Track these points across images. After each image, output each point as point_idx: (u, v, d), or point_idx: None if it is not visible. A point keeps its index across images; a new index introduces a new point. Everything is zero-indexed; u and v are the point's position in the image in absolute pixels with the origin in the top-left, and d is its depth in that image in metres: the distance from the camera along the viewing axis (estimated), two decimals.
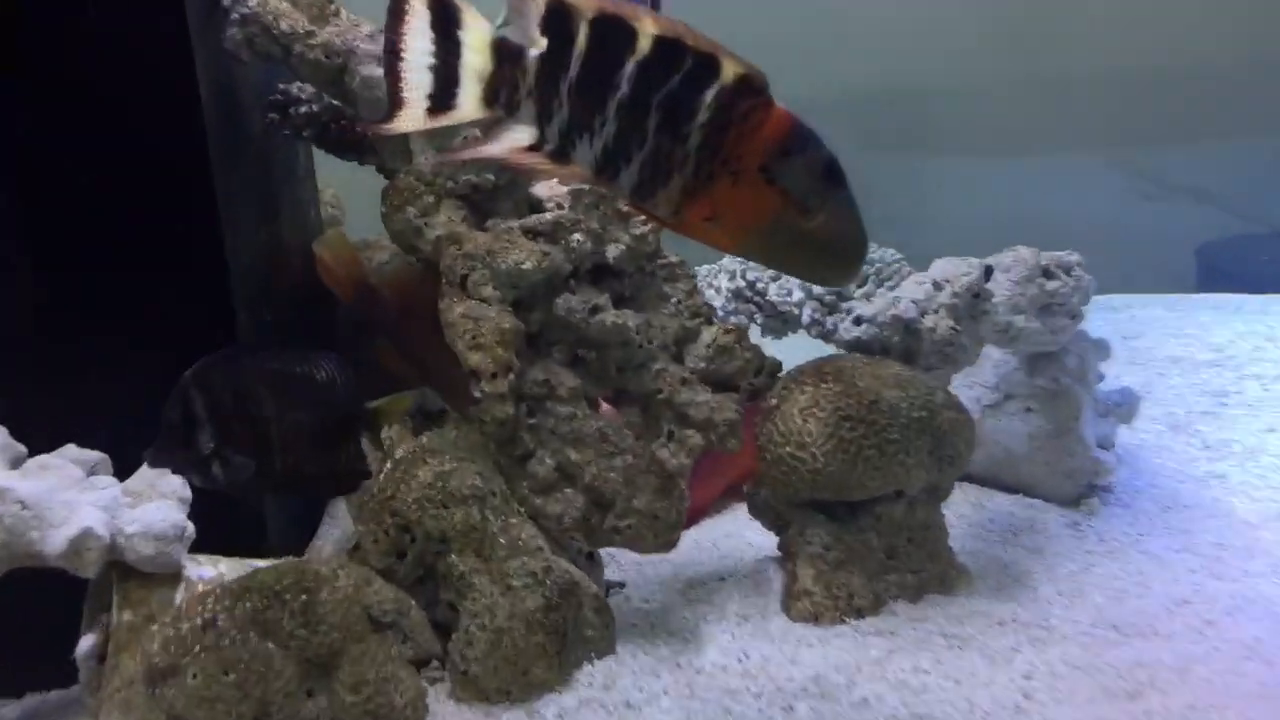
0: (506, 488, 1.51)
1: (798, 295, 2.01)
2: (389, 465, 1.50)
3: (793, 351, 1.78)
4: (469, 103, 0.95)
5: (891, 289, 1.90)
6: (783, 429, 1.55)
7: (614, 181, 0.98)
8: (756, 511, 1.67)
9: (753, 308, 2.05)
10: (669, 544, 1.50)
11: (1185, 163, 3.65)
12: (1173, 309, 2.90)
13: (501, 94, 0.94)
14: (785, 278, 2.07)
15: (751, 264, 2.08)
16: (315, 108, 1.69)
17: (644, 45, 0.91)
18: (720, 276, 2.10)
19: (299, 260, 1.81)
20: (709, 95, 0.91)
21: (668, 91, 0.91)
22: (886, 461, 1.50)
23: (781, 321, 2.03)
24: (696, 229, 0.99)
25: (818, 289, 2.02)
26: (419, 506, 1.44)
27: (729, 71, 0.91)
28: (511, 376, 1.49)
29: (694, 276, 1.68)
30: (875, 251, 2.08)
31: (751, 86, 0.91)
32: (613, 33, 0.91)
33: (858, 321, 1.66)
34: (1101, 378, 1.85)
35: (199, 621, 1.27)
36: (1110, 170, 3.77)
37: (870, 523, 1.54)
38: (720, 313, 2.05)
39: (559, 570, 1.44)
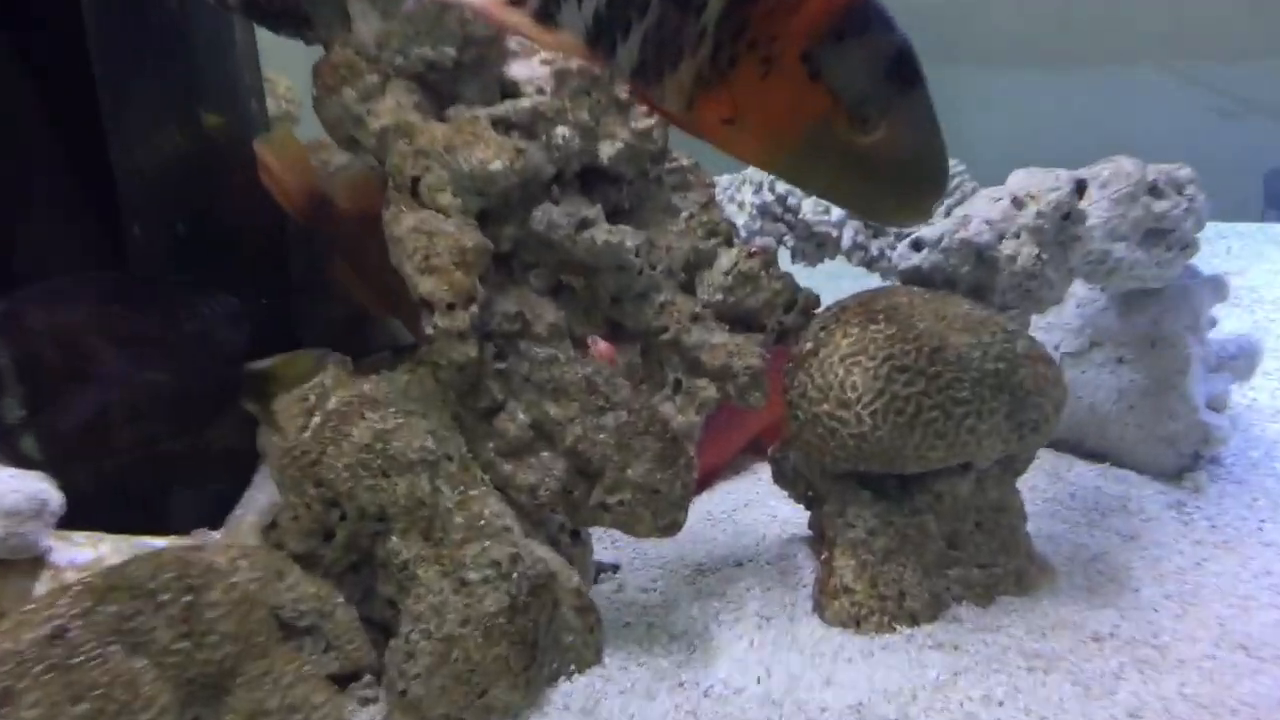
0: (467, 450, 1.19)
1: (838, 213, 1.66)
2: (316, 419, 1.18)
3: (832, 283, 1.44)
4: None
5: (956, 206, 1.56)
6: (820, 381, 1.22)
7: (610, 58, 0.78)
8: (783, 480, 1.35)
9: (783, 227, 1.71)
10: (672, 526, 1.18)
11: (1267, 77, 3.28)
12: (1272, 239, 2.53)
13: None
14: None
15: None
16: None
17: None
18: (744, 189, 1.76)
19: (234, 163, 1.47)
20: None
21: None
22: (953, 427, 1.17)
23: (817, 245, 1.69)
24: (713, 132, 0.79)
25: None
26: (351, 474, 1.12)
27: None
28: (474, 308, 1.17)
29: (711, 186, 1.34)
30: None
31: None
32: None
33: (916, 246, 1.32)
34: (1214, 323, 1.50)
35: (46, 630, 0.96)
36: (1182, 85, 3.40)
37: (929, 502, 1.22)
38: (743, 232, 1.71)
39: (530, 559, 1.12)
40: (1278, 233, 2.65)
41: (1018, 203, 1.33)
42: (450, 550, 1.10)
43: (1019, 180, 1.38)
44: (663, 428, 1.20)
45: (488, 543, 1.11)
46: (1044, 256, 1.30)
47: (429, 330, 1.19)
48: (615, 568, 1.34)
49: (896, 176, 0.76)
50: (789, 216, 1.69)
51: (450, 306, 1.18)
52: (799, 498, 1.34)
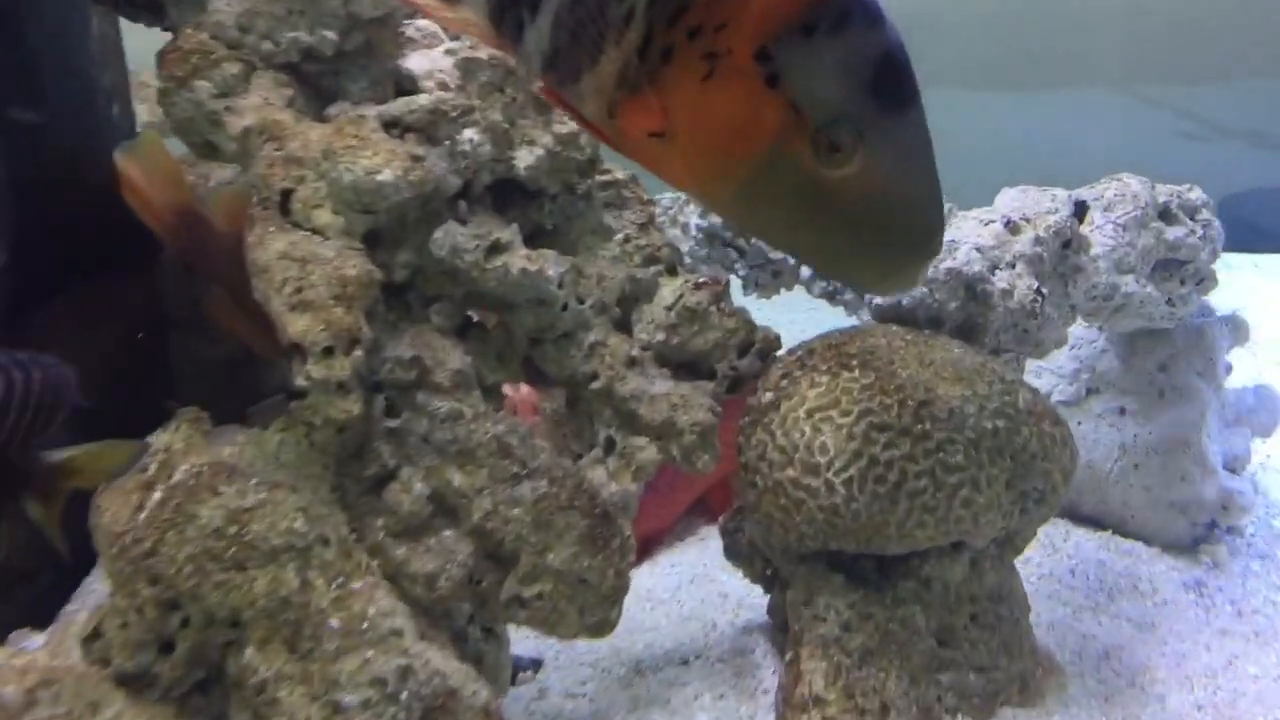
0: (349, 531, 0.96)
1: None
2: (156, 495, 0.94)
3: (786, 316, 1.23)
4: None
5: None
6: (782, 441, 1.01)
7: (515, 43, 0.63)
8: (736, 557, 1.13)
9: (733, 253, 1.50)
10: (602, 626, 0.95)
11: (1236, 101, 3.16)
12: (1263, 272, 2.35)
13: None
14: None
15: None
16: None
17: None
18: (688, 209, 1.54)
19: (90, 177, 1.23)
20: None
21: None
22: (944, 499, 0.96)
23: (773, 274, 1.48)
24: (641, 149, 0.61)
25: None
26: (196, 567, 0.88)
27: None
28: (358, 352, 0.94)
29: (651, 204, 1.13)
30: None
31: None
32: None
33: None
34: (1229, 369, 1.31)
35: None
36: (1145, 108, 3.27)
37: (915, 590, 1.01)
38: (688, 259, 1.50)
39: (425, 672, 0.89)
40: (1252, 261, 2.48)
41: (1012, 227, 1.13)
42: (322, 665, 0.87)
43: (1010, 201, 1.19)
44: (591, 500, 0.98)
45: (370, 653, 0.88)
46: (1044, 291, 1.09)
47: (301, 381, 0.95)
48: (537, 664, 1.12)
49: (873, 226, 0.58)
50: (740, 241, 1.48)
51: (328, 351, 0.95)
52: (756, 577, 1.12)
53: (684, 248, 1.49)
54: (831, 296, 1.50)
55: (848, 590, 1.01)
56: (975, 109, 3.31)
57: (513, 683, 1.08)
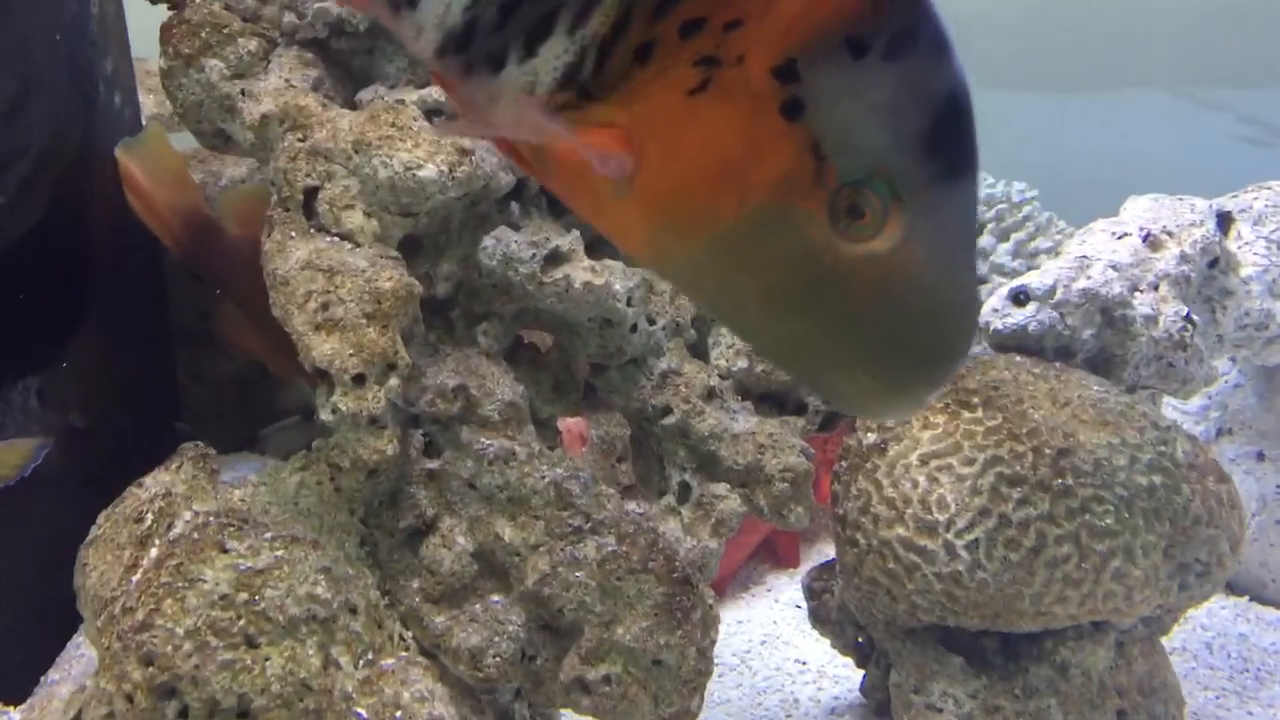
0: (380, 595, 0.81)
1: None
2: (153, 552, 0.79)
3: None
4: None
5: (1030, 254, 1.20)
6: (890, 492, 0.85)
7: (399, 9, 0.45)
8: (824, 624, 0.98)
9: None
10: (681, 717, 0.80)
11: None
12: None
13: None
14: None
15: None
16: None
17: None
18: None
19: (86, 176, 1.09)
20: None
21: None
22: (1092, 570, 0.81)
23: None
24: (572, 179, 0.43)
25: None
26: (197, 645, 0.73)
27: None
28: (394, 381, 0.79)
29: None
30: (986, 184, 1.38)
31: None
32: None
33: (1019, 299, 0.94)
34: None
35: None
36: (1200, 110, 3.10)
37: (1049, 678, 0.85)
38: None
39: None
40: None
41: (1152, 242, 0.98)
42: None
43: (1143, 211, 1.03)
44: (668, 562, 0.82)
45: None
46: (1195, 319, 0.93)
47: (326, 416, 0.81)
48: None
49: (890, 328, 0.41)
50: None
51: (358, 380, 0.81)
52: (846, 647, 0.97)
53: None
54: None
55: (968, 676, 0.85)
56: (1015, 111, 3.16)
57: None
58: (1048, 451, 0.83)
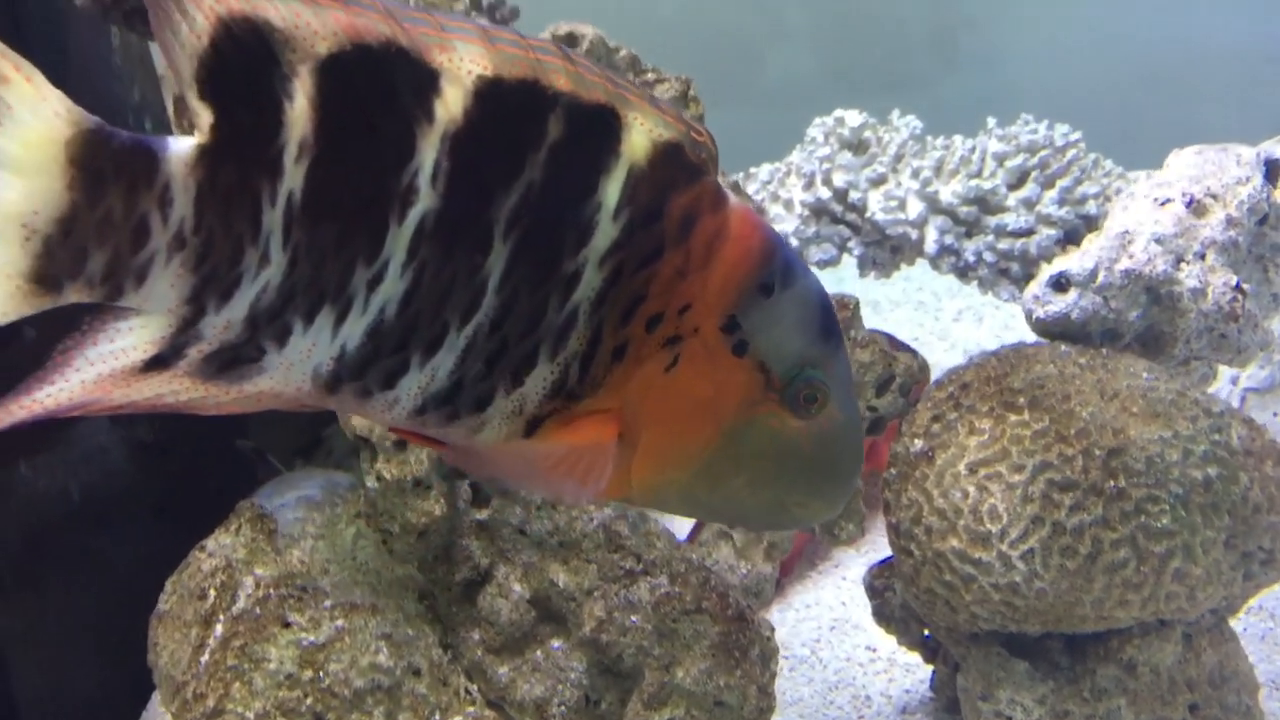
0: (442, 652, 0.82)
1: (917, 209, 1.26)
2: (219, 629, 0.81)
3: (904, 293, 1.05)
4: None
5: (1078, 200, 1.16)
6: (941, 503, 0.84)
7: (366, 398, 0.53)
8: (888, 621, 0.98)
9: (845, 230, 1.31)
10: None
11: None
12: None
13: (89, 260, 0.48)
14: (894, 177, 1.33)
15: (838, 163, 1.33)
16: None
17: (454, 99, 0.49)
18: (790, 181, 1.36)
19: None
20: (608, 192, 0.51)
21: (522, 191, 0.50)
22: (1151, 573, 0.80)
23: (891, 250, 1.30)
24: (561, 467, 0.54)
25: (947, 198, 1.28)
26: None
27: (641, 137, 0.51)
28: None
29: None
30: (1028, 129, 1.33)
31: (685, 163, 0.52)
32: (384, 80, 0.49)
33: (1060, 285, 0.92)
34: None
35: None
36: None
37: (1117, 678, 0.84)
38: (793, 240, 1.32)
39: None
40: None
41: (1196, 207, 0.94)
42: None
43: (1186, 169, 0.99)
44: (721, 600, 0.82)
45: None
46: (1246, 288, 0.90)
47: (371, 482, 0.82)
48: None
49: (829, 461, 0.57)
50: (852, 216, 1.29)
51: (400, 445, 0.81)
52: (913, 644, 0.97)
53: (788, 227, 1.32)
54: (963, 273, 1.31)
55: (1034, 681, 0.85)
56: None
57: None
58: (1098, 453, 0.81)
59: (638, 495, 0.56)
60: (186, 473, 1.09)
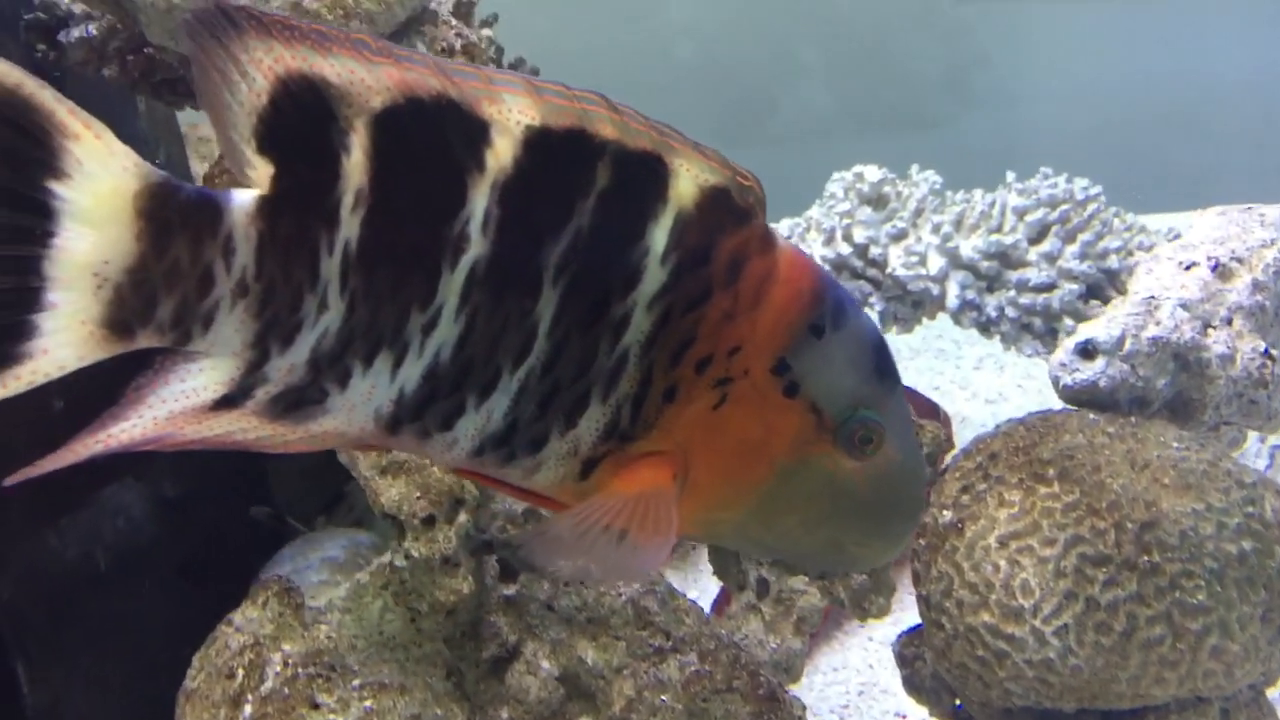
0: None
1: (939, 264, 1.26)
2: (248, 710, 0.81)
3: (924, 340, 1.04)
4: (59, 342, 0.49)
5: (1099, 254, 1.16)
6: (972, 576, 0.84)
7: (438, 435, 0.55)
8: (919, 691, 0.97)
9: (866, 286, 1.31)
10: None
11: None
12: None
13: (158, 306, 0.51)
14: (914, 232, 1.33)
15: (858, 218, 1.33)
16: (94, 30, 0.95)
17: (504, 149, 0.52)
18: (810, 236, 1.36)
19: None
20: (656, 237, 0.52)
21: (571, 237, 0.52)
22: (1188, 650, 0.79)
23: (913, 305, 1.29)
24: (615, 509, 0.53)
25: (968, 252, 1.28)
26: None
27: (687, 183, 0.53)
28: (464, 516, 0.80)
29: None
30: (1047, 184, 1.33)
31: (732, 207, 0.53)
32: (435, 131, 0.51)
33: (1087, 353, 0.91)
34: None
35: None
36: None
37: None
38: None
39: None
40: None
41: (1221, 271, 0.94)
42: None
43: (1210, 231, 0.99)
44: (752, 679, 0.82)
45: None
46: (1275, 353, 0.90)
47: (400, 561, 0.82)
48: None
49: (887, 504, 0.58)
50: (873, 272, 1.29)
51: (428, 522, 0.81)
52: (945, 715, 0.96)
53: None
54: (985, 328, 1.31)
55: None
56: (1071, 26, 3.00)
57: None
58: (1130, 526, 0.81)
59: (692, 531, 0.57)
60: (209, 529, 1.09)
